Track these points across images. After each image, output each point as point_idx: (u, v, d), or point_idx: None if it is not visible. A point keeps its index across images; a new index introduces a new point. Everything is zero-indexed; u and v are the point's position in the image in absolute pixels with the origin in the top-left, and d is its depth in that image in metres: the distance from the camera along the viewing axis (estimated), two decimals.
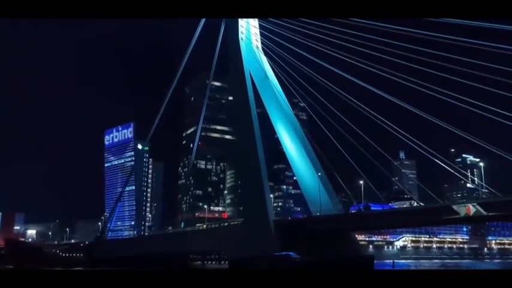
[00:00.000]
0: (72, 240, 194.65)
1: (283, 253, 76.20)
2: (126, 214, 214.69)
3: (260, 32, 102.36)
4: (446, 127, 64.66)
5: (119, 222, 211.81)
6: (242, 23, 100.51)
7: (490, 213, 59.28)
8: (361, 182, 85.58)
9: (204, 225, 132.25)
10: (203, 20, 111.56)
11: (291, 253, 79.42)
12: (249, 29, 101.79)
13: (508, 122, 56.48)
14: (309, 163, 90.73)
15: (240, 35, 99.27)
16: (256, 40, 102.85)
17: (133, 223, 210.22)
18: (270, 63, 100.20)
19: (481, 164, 71.63)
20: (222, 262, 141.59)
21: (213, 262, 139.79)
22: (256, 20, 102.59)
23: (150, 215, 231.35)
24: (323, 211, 79.94)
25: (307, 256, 78.47)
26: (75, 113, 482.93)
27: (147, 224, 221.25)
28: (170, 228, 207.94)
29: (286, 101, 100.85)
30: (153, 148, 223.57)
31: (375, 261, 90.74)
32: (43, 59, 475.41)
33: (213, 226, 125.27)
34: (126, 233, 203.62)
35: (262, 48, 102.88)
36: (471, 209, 58.83)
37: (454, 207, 60.67)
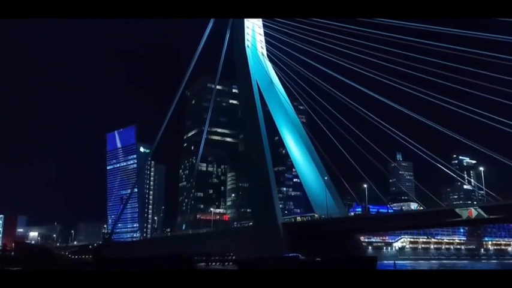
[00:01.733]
0: (75, 242, 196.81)
1: (291, 254, 78.82)
2: (128, 216, 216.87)
3: (265, 39, 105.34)
4: (443, 131, 67.91)
5: (120, 225, 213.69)
6: (248, 30, 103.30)
7: (491, 216, 62.32)
8: (365, 185, 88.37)
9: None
10: (209, 27, 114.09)
11: (298, 254, 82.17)
12: (255, 36, 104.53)
13: (502, 126, 59.69)
14: (314, 167, 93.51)
15: (246, 43, 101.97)
16: (262, 47, 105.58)
17: (135, 225, 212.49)
18: (275, 68, 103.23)
19: (481, 168, 74.27)
20: (226, 264, 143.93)
21: (218, 264, 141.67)
22: (261, 27, 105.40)
23: (155, 218, 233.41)
24: (329, 214, 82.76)
25: (313, 257, 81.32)
26: (78, 116, 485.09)
27: (149, 226, 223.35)
28: (168, 230, 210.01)
29: (291, 106, 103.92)
30: (155, 151, 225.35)
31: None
32: (46, 60, 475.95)
33: (222, 228, 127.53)
34: (129, 235, 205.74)
35: (267, 55, 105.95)
36: (473, 212, 61.76)
37: (457, 210, 63.62)
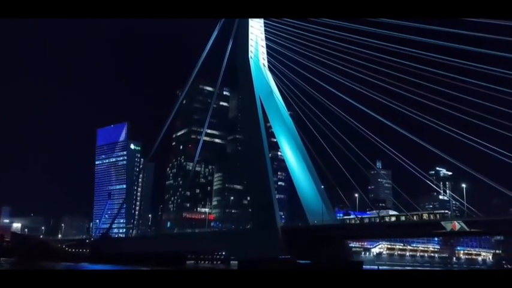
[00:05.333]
0: (59, 236, 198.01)
1: (287, 257, 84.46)
2: (115, 212, 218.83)
3: (267, 51, 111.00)
4: (422, 143, 74.04)
5: (103, 220, 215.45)
6: (252, 42, 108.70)
7: (472, 230, 69.41)
8: (356, 194, 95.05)
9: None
10: (214, 35, 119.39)
11: (291, 257, 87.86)
12: (258, 48, 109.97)
13: (477, 145, 66.43)
14: (309, 174, 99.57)
15: (250, 54, 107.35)
16: (263, 59, 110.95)
17: (122, 221, 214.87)
18: (274, 78, 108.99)
19: (463, 185, 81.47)
20: (215, 262, 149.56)
21: (206, 262, 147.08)
22: (264, 39, 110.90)
23: (150, 215, 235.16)
24: (319, 220, 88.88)
25: (309, 260, 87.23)
26: (68, 110, 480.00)
27: (135, 222, 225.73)
28: (150, 227, 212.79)
29: (288, 115, 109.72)
30: (145, 148, 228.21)
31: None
32: (42, 55, 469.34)
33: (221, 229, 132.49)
34: (115, 230, 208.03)
35: (268, 65, 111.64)
36: (456, 225, 68.64)
37: (442, 222, 70.42)
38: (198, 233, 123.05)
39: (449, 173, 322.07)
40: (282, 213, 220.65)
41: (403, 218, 76.71)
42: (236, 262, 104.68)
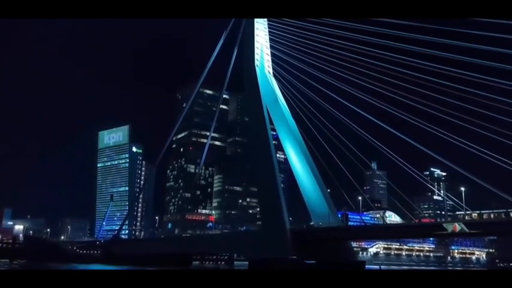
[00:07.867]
0: (62, 237, 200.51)
1: (294, 257, 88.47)
2: (117, 215, 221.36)
3: (272, 58, 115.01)
4: (417, 146, 77.26)
5: (104, 223, 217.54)
6: (257, 50, 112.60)
7: (471, 231, 73.79)
8: (359, 197, 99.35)
9: None
10: (220, 42, 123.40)
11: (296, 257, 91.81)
12: (263, 56, 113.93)
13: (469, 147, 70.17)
14: (313, 178, 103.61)
15: (256, 62, 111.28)
16: (269, 66, 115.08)
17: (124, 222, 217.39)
18: (279, 85, 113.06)
19: (462, 188, 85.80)
20: (219, 262, 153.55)
21: (211, 262, 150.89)
22: (269, 48, 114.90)
23: (157, 217, 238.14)
24: (324, 222, 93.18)
25: (311, 259, 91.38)
26: (70, 112, 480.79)
27: (138, 224, 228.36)
28: (160, 230, 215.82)
29: (293, 120, 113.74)
30: (146, 151, 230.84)
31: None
32: (44, 56, 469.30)
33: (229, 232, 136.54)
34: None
35: (272, 72, 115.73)
36: (457, 227, 72.91)
37: (444, 225, 74.81)
38: (206, 235, 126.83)
39: (444, 174, 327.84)
40: None
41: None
42: (240, 262, 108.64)
